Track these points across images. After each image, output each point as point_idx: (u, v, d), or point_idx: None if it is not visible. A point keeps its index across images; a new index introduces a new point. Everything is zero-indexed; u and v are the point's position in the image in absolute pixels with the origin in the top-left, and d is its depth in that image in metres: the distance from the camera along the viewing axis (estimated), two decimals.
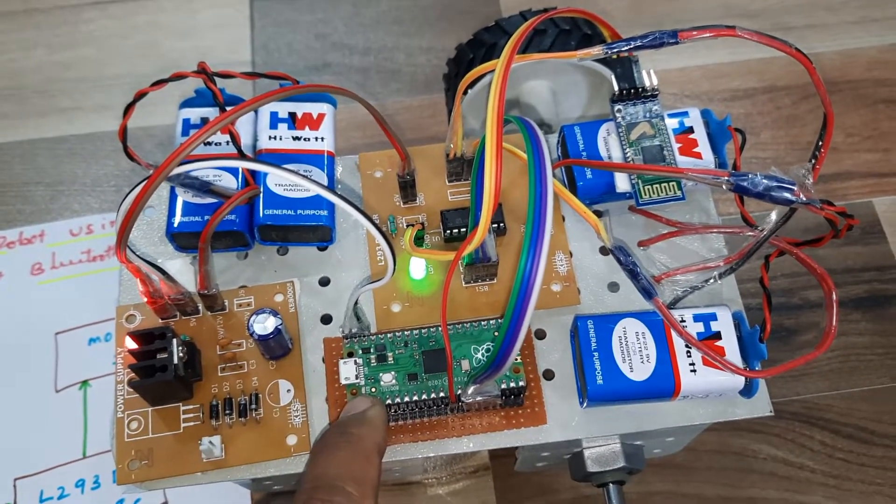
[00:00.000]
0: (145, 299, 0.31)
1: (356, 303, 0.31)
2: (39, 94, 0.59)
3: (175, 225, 0.33)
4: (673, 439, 0.38)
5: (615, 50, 0.28)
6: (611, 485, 0.35)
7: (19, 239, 0.53)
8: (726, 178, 0.29)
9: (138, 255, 0.29)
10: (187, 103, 0.35)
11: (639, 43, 0.28)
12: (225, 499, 0.44)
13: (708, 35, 0.27)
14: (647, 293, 0.30)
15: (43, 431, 0.47)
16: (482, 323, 0.32)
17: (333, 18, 0.62)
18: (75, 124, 0.57)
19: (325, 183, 0.34)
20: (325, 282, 0.34)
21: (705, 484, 0.45)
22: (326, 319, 0.33)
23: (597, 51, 0.28)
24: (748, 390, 0.31)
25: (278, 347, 0.31)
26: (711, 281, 0.33)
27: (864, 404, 0.47)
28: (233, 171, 0.33)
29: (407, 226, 0.34)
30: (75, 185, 0.55)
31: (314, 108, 0.35)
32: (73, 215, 0.54)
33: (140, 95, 0.32)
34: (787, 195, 0.28)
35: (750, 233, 0.34)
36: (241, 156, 0.32)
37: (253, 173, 0.33)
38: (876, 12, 0.60)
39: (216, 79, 0.33)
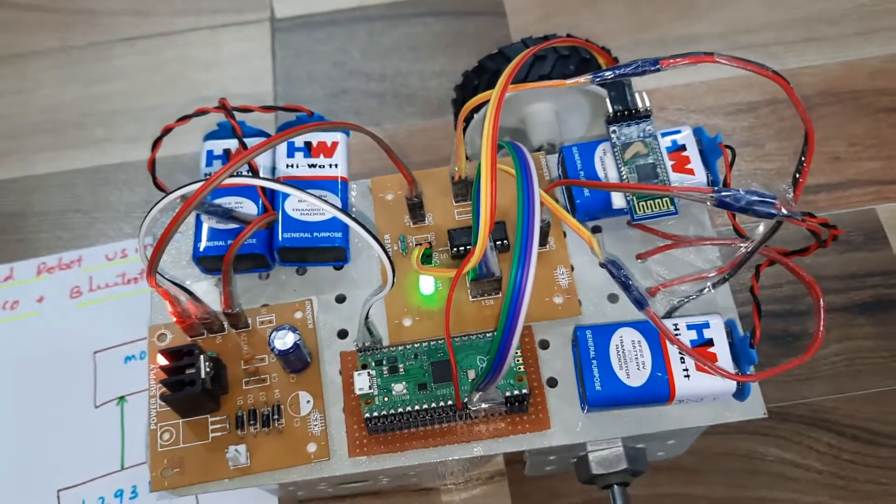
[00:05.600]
0: (174, 319, 0.34)
1: (367, 317, 0.33)
2: (75, 126, 0.62)
3: (201, 249, 0.35)
4: (674, 442, 0.40)
5: (599, 79, 0.30)
6: (615, 486, 0.37)
7: (59, 264, 0.56)
8: (710, 194, 0.31)
9: (167, 279, 0.31)
10: (211, 136, 0.38)
11: (622, 71, 0.30)
12: None
13: (687, 62, 0.29)
14: (639, 304, 0.32)
15: (84, 445, 0.49)
16: (487, 334, 0.34)
17: (350, 47, 0.64)
18: (109, 155, 0.61)
19: (339, 206, 0.36)
20: (341, 299, 0.37)
21: (714, 486, 0.46)
22: (343, 334, 0.36)
23: (584, 79, 0.31)
24: (741, 393, 0.33)
25: (298, 361, 0.34)
26: (706, 291, 0.35)
27: (869, 406, 0.48)
28: (253, 198, 0.36)
29: (416, 244, 0.37)
30: (110, 212, 0.58)
31: (328, 137, 0.38)
32: (109, 241, 0.57)
33: (166, 131, 0.35)
34: (769, 209, 0.30)
35: (742, 244, 0.35)
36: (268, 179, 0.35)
37: (271, 200, 0.36)
38: (876, 23, 0.62)
39: (237, 112, 0.36)
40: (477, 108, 0.45)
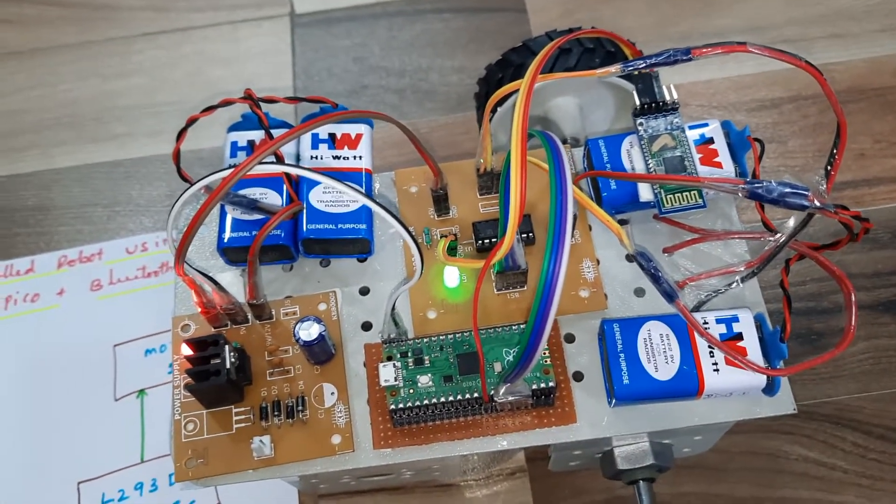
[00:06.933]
0: (199, 310, 0.33)
1: (393, 308, 0.33)
2: (95, 121, 0.62)
3: (225, 240, 0.35)
4: (700, 438, 0.39)
5: (631, 68, 0.30)
6: (641, 482, 0.37)
7: (79, 257, 0.56)
8: (741, 185, 0.30)
9: (194, 268, 0.31)
10: (234, 127, 0.38)
11: (654, 61, 0.30)
12: (274, 500, 0.47)
13: (719, 52, 0.29)
14: (669, 296, 0.31)
15: (104, 438, 0.50)
16: (513, 327, 0.34)
17: (370, 43, 0.64)
18: (129, 149, 0.61)
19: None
20: (364, 291, 0.36)
21: (738, 484, 0.46)
22: (367, 326, 0.36)
23: (615, 69, 0.30)
24: (770, 388, 0.32)
25: (322, 353, 0.34)
26: (734, 285, 0.34)
27: (895, 405, 0.47)
28: (277, 190, 0.36)
29: (441, 237, 0.36)
30: (130, 205, 0.58)
31: (352, 129, 0.37)
32: (129, 234, 0.57)
33: (191, 121, 0.35)
34: (801, 201, 0.30)
35: (771, 238, 0.35)
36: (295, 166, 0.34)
37: (296, 191, 0.35)
38: None
39: (261, 103, 0.36)
40: (501, 102, 0.44)
